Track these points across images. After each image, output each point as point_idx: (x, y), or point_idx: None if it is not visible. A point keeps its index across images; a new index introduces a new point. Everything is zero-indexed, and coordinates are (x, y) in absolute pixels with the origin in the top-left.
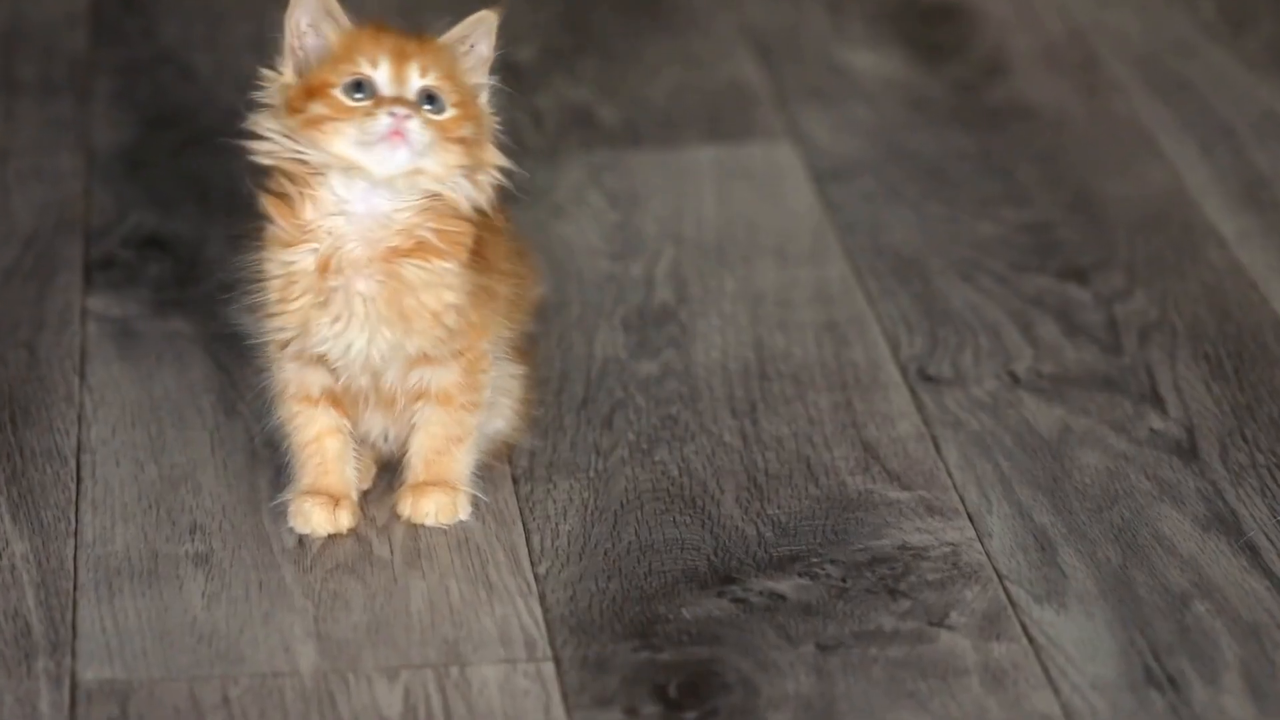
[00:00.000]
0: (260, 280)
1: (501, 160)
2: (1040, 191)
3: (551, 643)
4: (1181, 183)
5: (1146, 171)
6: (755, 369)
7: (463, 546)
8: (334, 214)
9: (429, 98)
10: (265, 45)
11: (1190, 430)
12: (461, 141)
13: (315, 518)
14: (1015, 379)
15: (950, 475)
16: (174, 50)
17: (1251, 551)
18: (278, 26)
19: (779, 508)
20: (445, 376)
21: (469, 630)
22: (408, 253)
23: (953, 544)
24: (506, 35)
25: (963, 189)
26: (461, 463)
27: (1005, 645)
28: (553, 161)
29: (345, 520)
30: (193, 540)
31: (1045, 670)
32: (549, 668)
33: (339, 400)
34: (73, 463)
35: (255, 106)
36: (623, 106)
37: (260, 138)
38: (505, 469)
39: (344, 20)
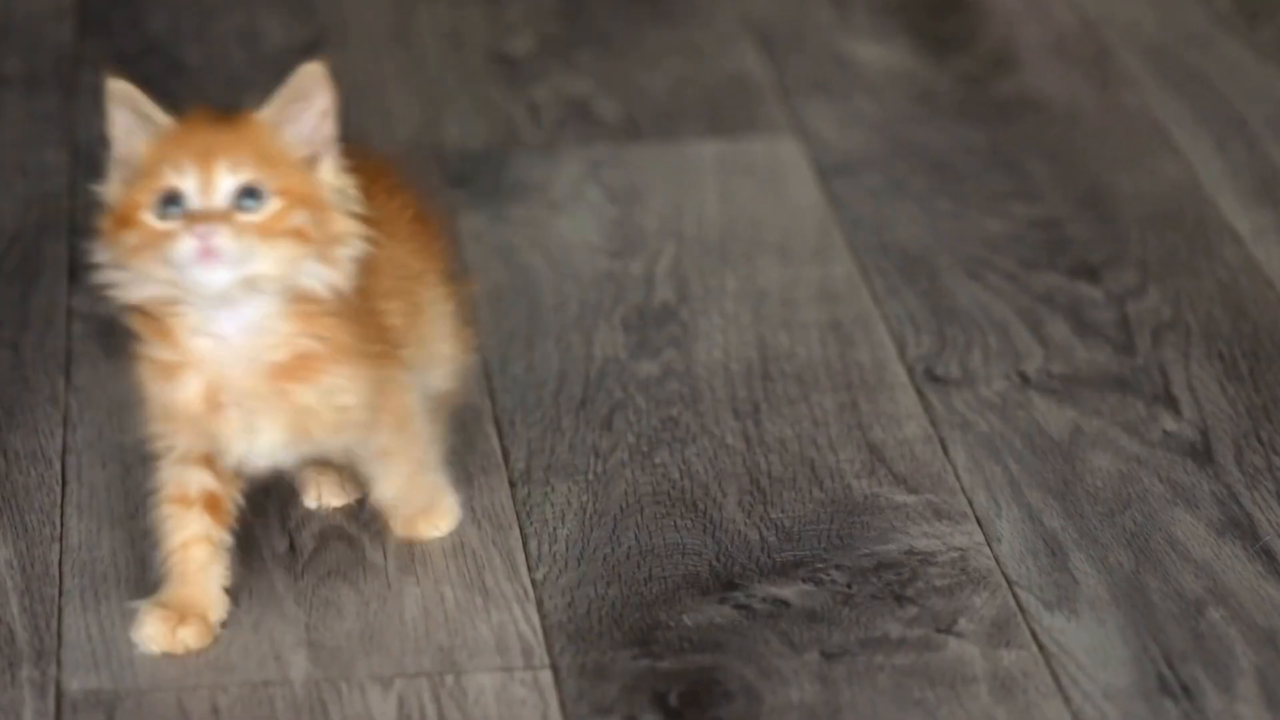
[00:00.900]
0: (143, 397)
1: (356, 229)
2: (1050, 187)
3: (549, 650)
4: (1195, 177)
5: (1159, 166)
6: (758, 369)
7: (458, 552)
8: (204, 336)
9: (248, 193)
10: (255, 38)
11: (1205, 432)
12: (293, 233)
13: (147, 629)
14: (1025, 379)
15: (958, 478)
16: (162, 43)
17: (1267, 556)
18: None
19: (782, 511)
20: (375, 441)
21: (464, 638)
22: (292, 372)
23: (961, 549)
24: (502, 25)
25: (971, 184)
26: (433, 475)
27: (1015, 653)
28: (550, 156)
29: (187, 639)
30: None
31: (1056, 678)
32: (546, 676)
33: (217, 505)
34: (58, 465)
35: (95, 232)
36: (622, 99)
37: (103, 276)
38: (501, 471)
39: (159, 118)
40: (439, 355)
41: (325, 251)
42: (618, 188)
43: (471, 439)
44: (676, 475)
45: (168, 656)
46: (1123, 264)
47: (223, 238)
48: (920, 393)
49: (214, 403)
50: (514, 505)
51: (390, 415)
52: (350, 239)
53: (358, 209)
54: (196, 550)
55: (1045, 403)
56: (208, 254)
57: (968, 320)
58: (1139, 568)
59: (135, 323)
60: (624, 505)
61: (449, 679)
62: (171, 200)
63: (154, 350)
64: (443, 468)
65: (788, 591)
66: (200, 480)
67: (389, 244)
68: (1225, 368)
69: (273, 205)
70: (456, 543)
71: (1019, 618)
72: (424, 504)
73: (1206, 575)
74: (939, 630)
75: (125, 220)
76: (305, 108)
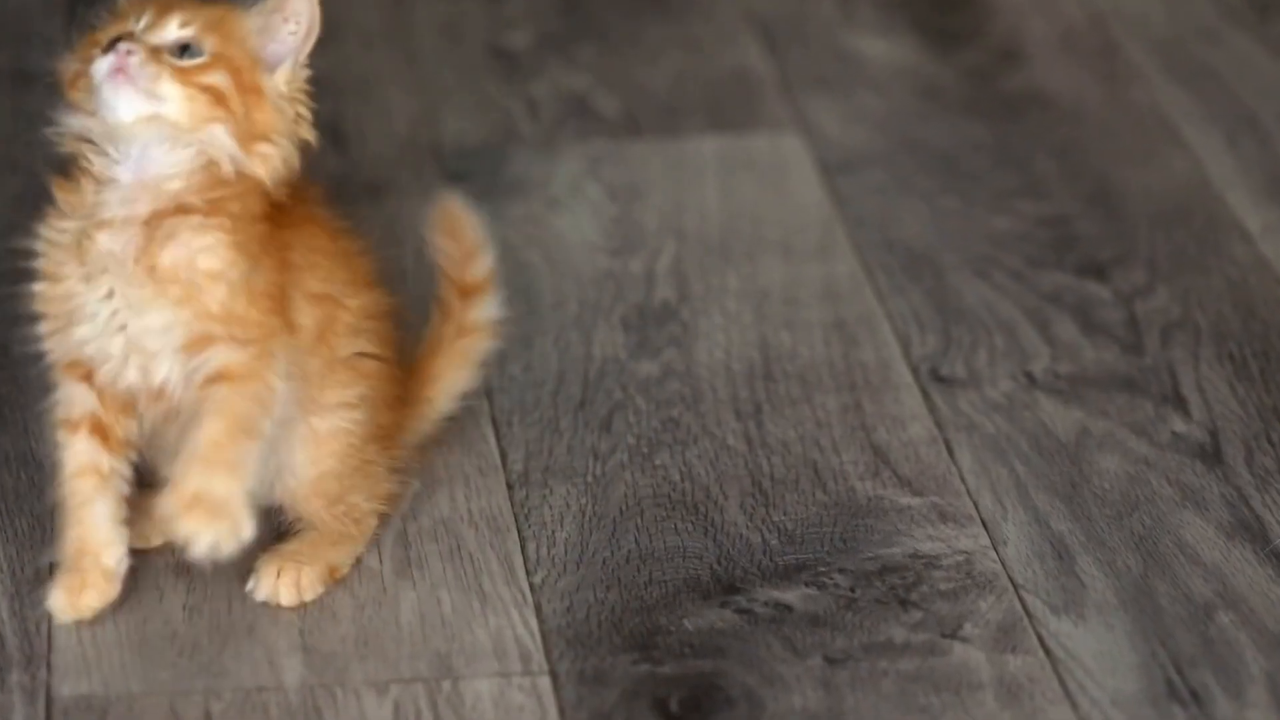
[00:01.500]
0: (34, 272)
1: (285, 128)
2: (1058, 184)
3: (547, 655)
4: (1205, 174)
5: (1168, 162)
6: (760, 369)
7: (455, 555)
8: (103, 186)
9: (183, 49)
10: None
11: (1214, 433)
12: (209, 90)
13: (55, 601)
14: (1032, 380)
15: (964, 480)
16: None
17: (1278, 560)
18: None
19: (785, 514)
20: (230, 354)
21: (461, 642)
22: (167, 215)
23: (966, 552)
24: (500, 20)
25: (977, 181)
26: (241, 467)
27: (1021, 658)
28: (548, 152)
29: (90, 601)
30: (173, 550)
31: (1063, 684)
32: (545, 681)
33: (105, 431)
34: (48, 468)
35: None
36: (622, 95)
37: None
38: (499, 473)
39: None
40: (334, 399)
41: (244, 133)
42: (617, 185)
43: (468, 440)
44: (677, 477)
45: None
46: (1131, 262)
47: (135, 59)
48: (925, 393)
49: (85, 240)
50: (512, 508)
51: (254, 347)
52: (276, 137)
53: (300, 121)
54: (82, 483)
55: (1052, 403)
56: (118, 71)
57: (973, 319)
58: (1147, 571)
59: (53, 187)
60: (624, 508)
61: (446, 685)
62: (117, 43)
63: (56, 204)
64: (247, 486)
65: (790, 595)
66: (84, 400)
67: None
68: (1235, 368)
69: (198, 60)
70: (453, 546)
71: (1025, 622)
72: (213, 483)
73: (1216, 579)
74: (944, 635)
75: (81, 55)
76: (290, 26)
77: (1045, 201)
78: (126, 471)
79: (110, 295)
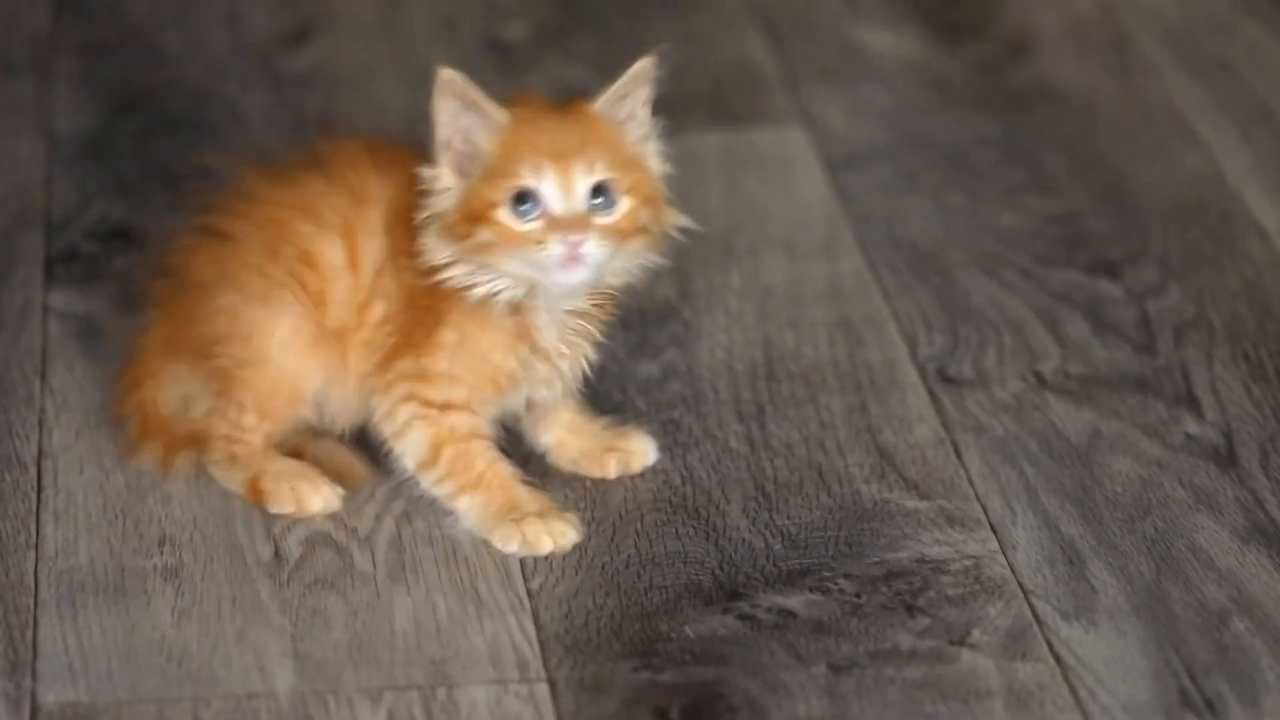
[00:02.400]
0: (460, 362)
1: (680, 220)
2: (1068, 180)
3: (545, 663)
4: (1219, 170)
5: (1181, 158)
6: (763, 370)
7: (450, 559)
8: (544, 310)
9: (597, 189)
10: (238, 24)
11: (1228, 435)
12: (641, 232)
13: (556, 527)
14: (1041, 380)
15: (972, 483)
16: (141, 29)
17: None
18: (427, 115)
19: (789, 518)
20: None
21: (457, 649)
22: (580, 319)
23: (974, 557)
24: (496, 11)
25: (985, 177)
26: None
27: (1031, 665)
28: None
29: (575, 521)
30: (162, 553)
31: (1073, 692)
32: (542, 689)
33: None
34: (33, 470)
35: (425, 219)
36: None
37: (442, 268)
38: None
39: (492, 109)
40: None
41: (657, 242)
42: None
43: None
44: (678, 481)
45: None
46: (1143, 260)
47: (590, 245)
48: (932, 394)
49: (548, 355)
50: None
51: None
52: (673, 228)
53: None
54: (503, 465)
55: (1062, 405)
56: (574, 260)
57: (982, 319)
58: (1160, 576)
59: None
60: (623, 512)
61: (441, 692)
62: (525, 198)
63: (496, 318)
64: None
65: (794, 601)
66: (488, 424)
67: None
68: (1250, 368)
69: (624, 205)
70: (449, 550)
71: (1035, 629)
72: (610, 431)
73: (1231, 584)
74: (952, 642)
75: (478, 219)
76: (633, 100)
77: (1055, 198)
78: None
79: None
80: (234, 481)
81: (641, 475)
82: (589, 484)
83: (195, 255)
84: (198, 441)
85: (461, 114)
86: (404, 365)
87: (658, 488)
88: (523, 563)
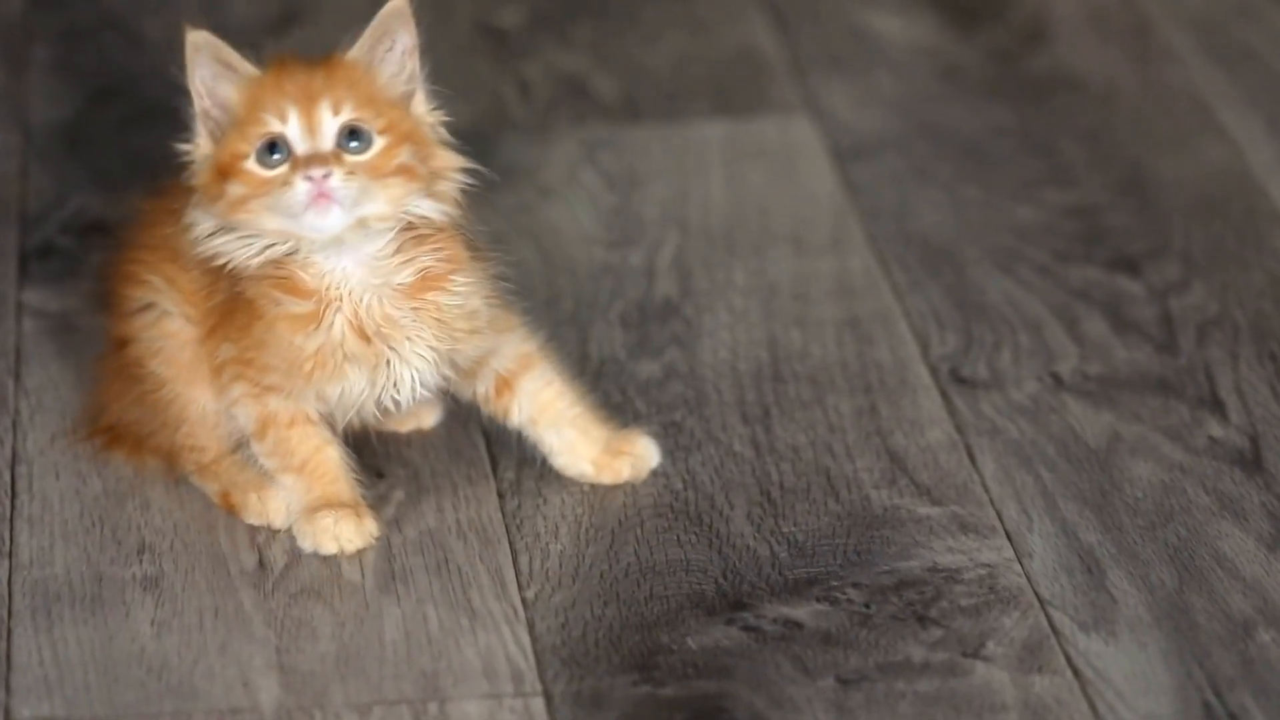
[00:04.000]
0: (268, 353)
1: (456, 161)
2: (1086, 172)
3: (541, 676)
4: (1244, 161)
5: (1205, 149)
6: (769, 370)
7: (442, 568)
8: (330, 275)
9: (351, 133)
10: (219, 11)
11: (1254, 438)
12: (401, 171)
13: (345, 530)
14: (1059, 381)
15: (986, 489)
16: (120, 15)
17: None
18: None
19: (795, 525)
20: (514, 347)
21: (449, 662)
22: (422, 287)
23: (989, 565)
24: None
25: (1000, 169)
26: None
27: (1048, 678)
28: (542, 138)
29: (372, 529)
30: (141, 562)
31: (1092, 706)
32: (538, 703)
33: (326, 416)
34: (7, 475)
35: (191, 194)
36: (620, 76)
37: (204, 239)
38: (489, 481)
39: (244, 67)
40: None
41: (431, 187)
42: (616, 172)
43: (456, 446)
44: (680, 485)
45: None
46: (1165, 256)
47: (336, 180)
48: (945, 396)
49: (364, 335)
50: (503, 518)
51: (501, 317)
52: (451, 173)
53: (452, 142)
54: (330, 450)
55: (1081, 406)
56: (322, 197)
57: (997, 317)
58: (1183, 586)
59: (256, 288)
60: (622, 518)
61: (432, 706)
62: (274, 147)
63: (285, 306)
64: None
65: (800, 612)
66: (314, 404)
67: None
68: (1276, 368)
69: (378, 144)
70: (440, 558)
71: (1052, 640)
72: (603, 431)
73: (1256, 594)
74: (965, 654)
75: (227, 172)
76: (391, 46)
77: (1073, 191)
78: None
79: (399, 374)
80: (209, 491)
81: (642, 479)
82: (586, 488)
83: (115, 278)
84: (169, 454)
85: (214, 77)
86: (226, 350)
87: (658, 493)
88: (518, 572)
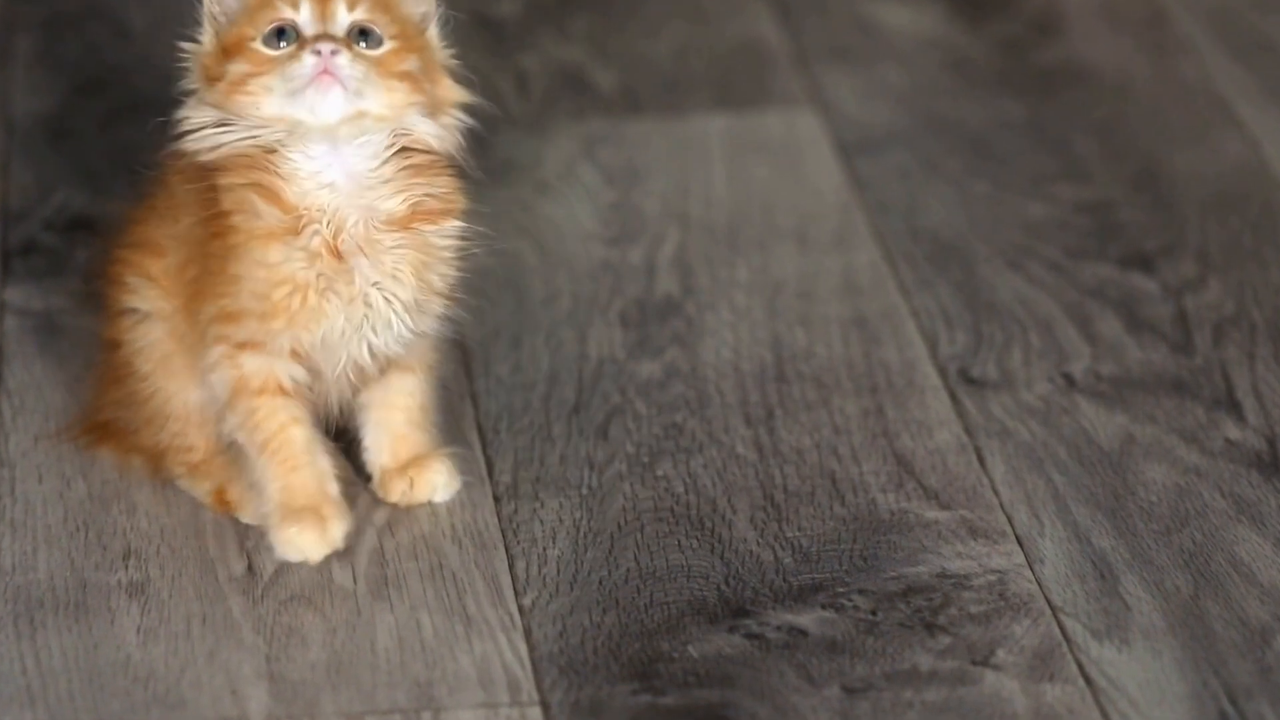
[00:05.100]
0: (244, 288)
1: (461, 95)
2: (1099, 166)
3: (538, 685)
4: (1262, 156)
5: (1221, 143)
6: (772, 370)
7: (436, 574)
8: (317, 189)
9: (362, 33)
10: None
11: (1271, 440)
12: (406, 77)
13: (305, 541)
14: (1071, 382)
15: (996, 492)
16: (105, 4)
17: None
18: None
19: (799, 530)
20: (422, 342)
21: (443, 670)
22: (413, 220)
23: (999, 571)
24: None
25: (1010, 164)
26: (431, 430)
27: (1059, 687)
28: (540, 132)
29: (337, 531)
30: (126, 567)
31: (1105, 716)
32: (535, 713)
33: (303, 395)
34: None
35: (183, 94)
36: (620, 68)
37: (193, 132)
38: (485, 484)
39: None
40: None
41: (434, 110)
42: (615, 167)
43: (452, 448)
44: (681, 489)
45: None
46: (1180, 253)
47: (343, 59)
48: (954, 396)
49: (341, 259)
50: (499, 523)
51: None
52: (456, 106)
53: (462, 76)
54: (297, 430)
55: (1093, 408)
56: (326, 73)
57: (1007, 316)
58: (1198, 592)
59: (234, 198)
60: (622, 523)
61: (426, 716)
62: (283, 33)
63: (259, 217)
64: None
65: (805, 619)
66: (290, 370)
67: None
68: None
69: (388, 46)
70: (435, 563)
71: (1064, 648)
72: (420, 451)
73: (1274, 601)
74: (974, 662)
75: (232, 51)
76: None
77: (1085, 186)
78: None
79: (369, 308)
80: (200, 492)
81: (642, 482)
82: (585, 490)
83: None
84: (157, 455)
85: None
86: (209, 309)
87: (659, 496)
88: (514, 578)
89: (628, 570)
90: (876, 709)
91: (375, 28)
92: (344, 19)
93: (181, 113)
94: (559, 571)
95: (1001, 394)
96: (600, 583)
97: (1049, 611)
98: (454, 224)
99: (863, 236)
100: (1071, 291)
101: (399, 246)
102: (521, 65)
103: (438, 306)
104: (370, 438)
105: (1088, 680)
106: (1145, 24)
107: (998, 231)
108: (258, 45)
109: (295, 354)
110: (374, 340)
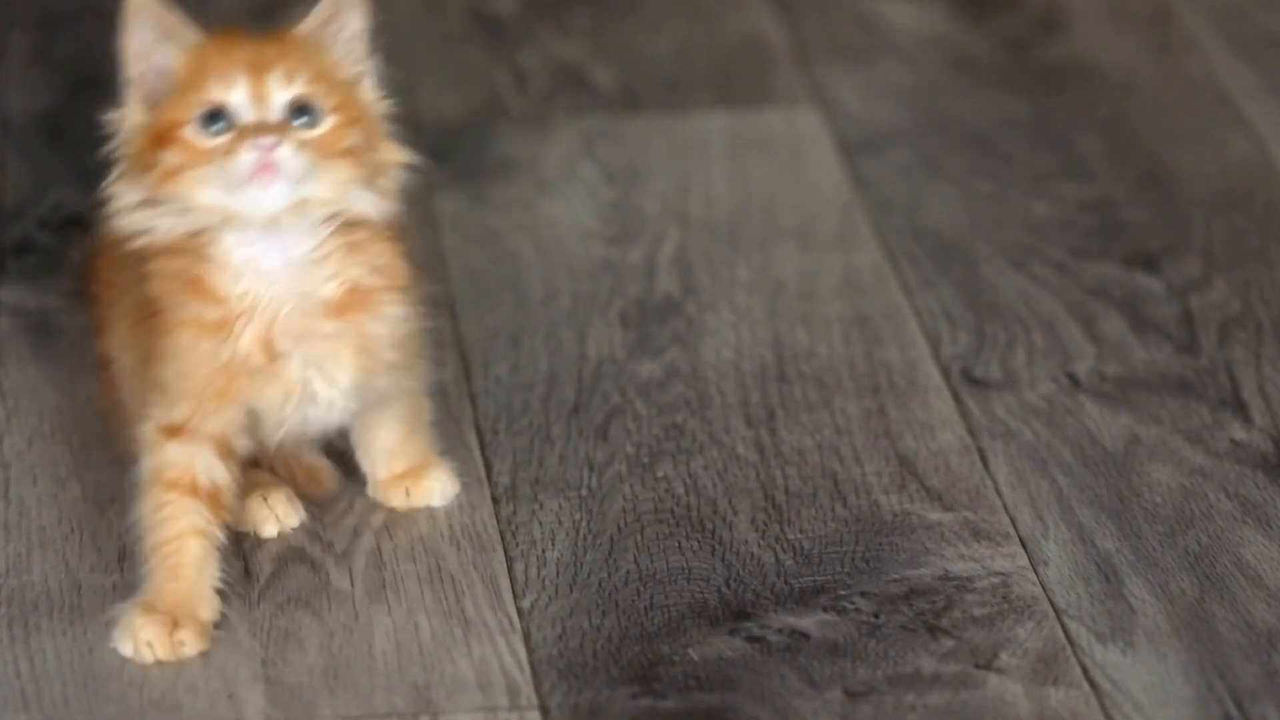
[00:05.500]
0: (171, 370)
1: (402, 157)
2: (1104, 165)
3: (537, 688)
4: (1267, 154)
5: (1227, 141)
6: (773, 370)
7: (434, 577)
8: (250, 277)
9: (300, 109)
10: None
11: (1278, 441)
12: (349, 154)
13: (143, 634)
14: (1075, 382)
15: (999, 494)
16: (101, 2)
17: None
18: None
19: (801, 531)
20: (388, 387)
21: (442, 674)
22: (351, 305)
23: (1002, 574)
24: None
25: (1014, 162)
26: (429, 434)
27: (1063, 691)
28: (538, 129)
29: (186, 642)
30: (121, 570)
31: None
32: (534, 717)
33: (219, 500)
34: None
35: (111, 164)
36: (620, 66)
37: (121, 211)
38: (483, 486)
39: (188, 33)
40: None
41: (373, 178)
42: (615, 165)
43: (449, 449)
44: (681, 490)
45: (160, 666)
46: (1185, 252)
47: (284, 151)
48: (956, 397)
49: (272, 352)
50: (498, 524)
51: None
52: (394, 167)
53: (396, 134)
54: (194, 543)
55: (1098, 408)
56: (268, 168)
57: (1010, 315)
58: (1204, 595)
59: (163, 286)
60: (622, 524)
61: None
62: (216, 117)
63: (192, 310)
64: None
65: (807, 622)
66: (211, 467)
67: None
68: None
69: (329, 122)
70: (433, 566)
71: (1068, 651)
72: (419, 459)
73: None
74: (978, 666)
75: (163, 139)
76: (340, 29)
77: (1089, 184)
78: (222, 540)
79: (307, 397)
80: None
81: (642, 483)
82: (584, 491)
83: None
84: None
85: (154, 42)
86: (145, 382)
87: (659, 497)
88: (513, 580)
89: (628, 572)
90: (879, 712)
91: (314, 101)
92: (281, 97)
93: (109, 188)
94: (558, 574)
95: (1005, 394)
96: (600, 585)
97: (1053, 614)
98: (393, 308)
99: (864, 235)
100: (1075, 291)
101: (337, 335)
102: (520, 62)
103: (391, 376)
104: (361, 452)
105: (1092, 684)
106: (1149, 21)
107: (1001, 230)
108: (191, 134)
109: (223, 445)
110: (317, 418)
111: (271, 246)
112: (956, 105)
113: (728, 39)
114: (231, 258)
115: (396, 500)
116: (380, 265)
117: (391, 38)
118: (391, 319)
